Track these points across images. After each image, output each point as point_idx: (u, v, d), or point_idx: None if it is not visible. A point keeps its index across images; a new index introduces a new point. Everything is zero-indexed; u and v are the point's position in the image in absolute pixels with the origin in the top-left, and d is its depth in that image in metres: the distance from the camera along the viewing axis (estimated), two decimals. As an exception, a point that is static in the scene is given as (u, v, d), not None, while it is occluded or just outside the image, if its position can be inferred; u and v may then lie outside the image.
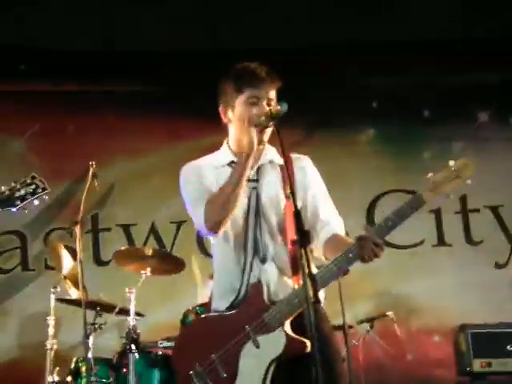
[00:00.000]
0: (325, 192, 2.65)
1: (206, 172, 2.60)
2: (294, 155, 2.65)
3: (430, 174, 2.32)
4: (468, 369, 4.18)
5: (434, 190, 2.31)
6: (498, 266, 5.89)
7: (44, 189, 2.98)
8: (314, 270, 2.49)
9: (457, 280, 5.74)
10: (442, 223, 5.95)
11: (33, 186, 2.96)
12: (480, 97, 6.10)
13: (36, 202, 2.97)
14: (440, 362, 5.31)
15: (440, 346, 5.45)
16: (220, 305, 2.53)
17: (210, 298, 2.64)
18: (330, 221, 2.57)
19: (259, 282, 2.43)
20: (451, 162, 2.32)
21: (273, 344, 2.36)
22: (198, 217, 2.49)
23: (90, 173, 4.28)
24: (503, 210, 5.88)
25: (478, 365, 4.16)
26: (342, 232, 2.58)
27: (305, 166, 2.64)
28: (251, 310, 2.41)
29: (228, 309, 2.49)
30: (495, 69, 5.93)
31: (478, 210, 5.98)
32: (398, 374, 5.47)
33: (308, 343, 2.26)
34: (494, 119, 6.19)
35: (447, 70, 5.93)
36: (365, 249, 2.31)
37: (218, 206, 2.43)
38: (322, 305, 2.53)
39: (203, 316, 2.58)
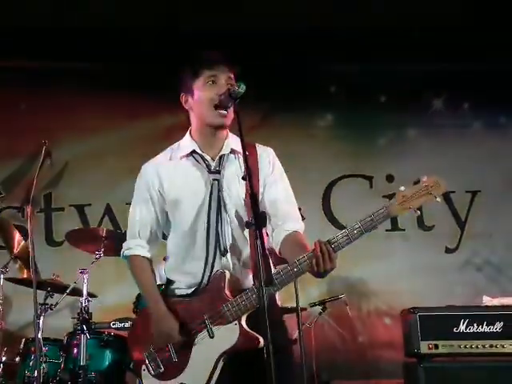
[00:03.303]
0: (288, 188, 2.64)
1: (161, 173, 2.59)
2: (259, 146, 2.65)
3: (402, 188, 2.34)
4: (416, 350, 4.27)
5: (402, 204, 2.33)
6: (449, 250, 6.04)
7: None
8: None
9: (408, 264, 5.87)
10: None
11: None
12: (434, 84, 6.20)
13: None
14: (390, 343, 5.44)
15: (390, 328, 5.57)
16: (180, 291, 2.54)
17: (167, 282, 2.64)
18: (290, 218, 2.56)
19: (223, 272, 2.44)
20: (423, 178, 2.36)
21: (226, 336, 2.37)
22: (128, 231, 2.66)
23: (43, 151, 4.19)
24: (454, 196, 6.01)
25: (425, 347, 4.25)
26: (301, 229, 2.55)
27: (270, 159, 2.62)
28: (211, 300, 2.42)
29: (189, 295, 2.50)
30: (450, 56, 6.03)
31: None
32: (349, 355, 5.59)
33: (261, 339, 2.28)
34: (448, 106, 6.31)
35: (404, 57, 5.99)
36: (317, 263, 2.28)
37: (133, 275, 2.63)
38: (276, 295, 2.54)
39: (163, 298, 2.55)
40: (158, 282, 2.66)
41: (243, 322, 2.38)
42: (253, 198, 2.16)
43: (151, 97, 5.88)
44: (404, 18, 5.76)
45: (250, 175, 2.21)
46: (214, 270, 2.46)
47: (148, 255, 2.62)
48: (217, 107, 2.46)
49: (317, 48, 5.91)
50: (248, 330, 2.37)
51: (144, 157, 2.75)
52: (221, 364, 2.37)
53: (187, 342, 2.42)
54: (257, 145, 2.65)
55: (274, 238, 2.54)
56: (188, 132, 2.65)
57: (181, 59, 2.62)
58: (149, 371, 2.47)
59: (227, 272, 2.44)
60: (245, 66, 2.58)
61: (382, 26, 5.84)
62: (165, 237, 2.73)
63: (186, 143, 2.61)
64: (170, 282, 2.61)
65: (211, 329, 2.40)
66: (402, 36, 5.91)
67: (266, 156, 2.62)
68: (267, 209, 2.54)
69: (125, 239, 2.70)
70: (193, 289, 2.50)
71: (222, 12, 5.66)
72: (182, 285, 2.54)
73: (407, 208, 2.33)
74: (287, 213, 2.57)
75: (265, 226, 2.16)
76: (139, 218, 2.62)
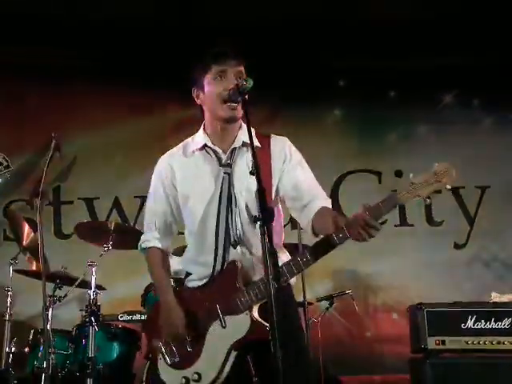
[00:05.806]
0: (309, 171, 2.65)
1: (174, 166, 2.63)
2: (274, 137, 2.65)
3: (411, 175, 2.27)
4: (423, 346, 4.26)
5: (411, 192, 2.26)
6: (457, 246, 6.03)
7: (7, 167, 2.94)
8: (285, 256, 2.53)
9: (417, 260, 5.85)
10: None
11: None
12: (444, 79, 6.17)
13: None
14: (397, 339, 5.42)
15: (398, 324, 5.55)
16: (194, 282, 2.58)
17: (183, 275, 2.67)
18: (317, 196, 2.56)
19: (235, 262, 2.46)
20: (434, 166, 2.28)
21: (238, 326, 2.39)
22: (145, 223, 2.72)
23: (53, 144, 4.20)
24: (464, 192, 5.99)
25: (432, 342, 4.24)
26: (329, 205, 2.55)
27: (285, 148, 2.63)
28: (223, 290, 2.44)
29: (201, 287, 2.54)
30: (459, 52, 6.00)
31: (439, 192, 6.06)
32: (356, 351, 5.59)
33: None
34: (457, 102, 6.28)
35: (413, 52, 5.97)
36: (356, 229, 2.27)
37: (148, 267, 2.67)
38: (291, 286, 2.57)
39: (177, 289, 2.63)
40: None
41: (255, 313, 2.40)
42: (260, 193, 2.15)
43: (160, 91, 5.89)
44: (412, 12, 5.72)
45: (258, 170, 2.20)
46: (226, 261, 2.48)
47: (163, 247, 2.66)
48: (225, 102, 2.48)
49: (324, 42, 5.89)
50: (259, 320, 2.39)
51: (152, 151, 2.77)
52: (233, 353, 2.39)
53: (200, 332, 2.46)
54: (272, 135, 2.66)
55: (303, 218, 2.53)
56: (202, 126, 2.67)
57: (189, 53, 2.63)
58: (165, 360, 2.52)
59: (239, 263, 2.46)
60: (252, 61, 2.59)
61: (389, 19, 5.77)
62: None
63: (199, 137, 2.65)
64: (186, 273, 2.64)
65: (223, 319, 2.42)
66: (410, 30, 5.88)
67: (281, 146, 2.63)
68: (291, 193, 2.55)
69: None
70: (205, 280, 2.53)
71: (229, 6, 5.64)
72: (196, 276, 2.58)
73: (416, 196, 2.26)
74: (312, 192, 2.57)
75: (272, 221, 2.16)
76: (154, 209, 2.68)
